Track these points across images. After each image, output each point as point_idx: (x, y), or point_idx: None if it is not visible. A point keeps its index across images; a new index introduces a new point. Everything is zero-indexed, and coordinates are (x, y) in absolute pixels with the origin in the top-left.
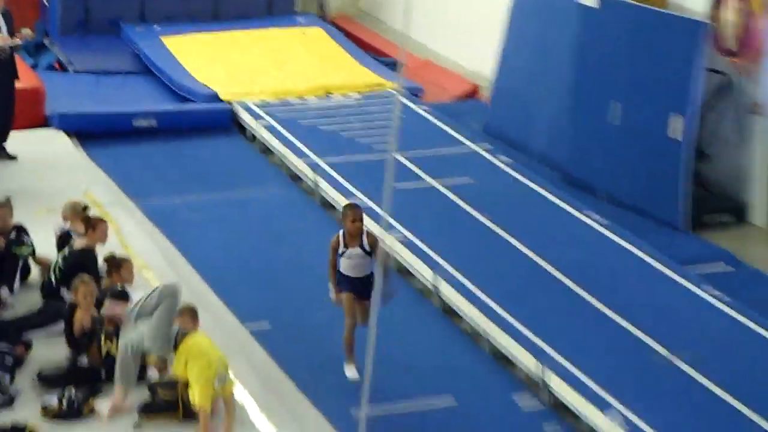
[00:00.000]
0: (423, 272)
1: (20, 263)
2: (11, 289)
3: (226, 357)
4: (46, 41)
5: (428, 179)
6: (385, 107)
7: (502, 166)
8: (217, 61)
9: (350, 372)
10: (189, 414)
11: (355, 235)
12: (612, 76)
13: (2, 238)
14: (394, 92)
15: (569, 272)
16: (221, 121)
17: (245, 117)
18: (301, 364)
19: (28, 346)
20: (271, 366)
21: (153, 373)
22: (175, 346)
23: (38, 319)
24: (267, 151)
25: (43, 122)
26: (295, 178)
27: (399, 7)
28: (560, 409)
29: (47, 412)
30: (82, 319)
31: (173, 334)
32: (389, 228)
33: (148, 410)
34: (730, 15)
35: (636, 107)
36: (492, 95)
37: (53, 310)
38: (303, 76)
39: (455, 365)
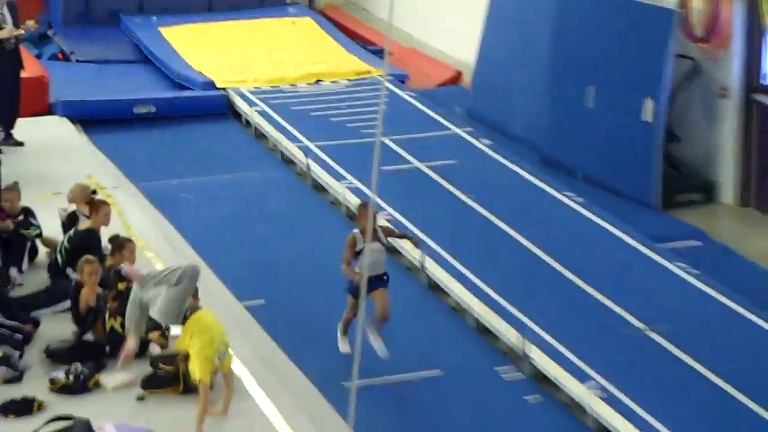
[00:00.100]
0: (410, 250)
1: (28, 244)
2: (20, 269)
3: (227, 334)
4: (49, 32)
5: (414, 161)
6: (373, 93)
7: (484, 148)
8: (213, 51)
9: (343, 346)
10: (189, 387)
11: (371, 231)
12: (587, 62)
13: (11, 221)
14: (381, 79)
15: (548, 249)
16: (217, 108)
17: (240, 103)
18: (294, 338)
19: (36, 323)
20: (266, 341)
21: (155, 349)
22: (183, 321)
23: (45, 298)
24: (261, 135)
25: (48, 110)
26: (288, 161)
27: None
28: (541, 379)
29: (55, 386)
30: (87, 297)
31: (184, 310)
32: (377, 208)
33: (151, 384)
34: (698, 3)
35: (610, 91)
36: (474, 81)
37: (60, 288)
38: (294, 64)
39: (441, 339)
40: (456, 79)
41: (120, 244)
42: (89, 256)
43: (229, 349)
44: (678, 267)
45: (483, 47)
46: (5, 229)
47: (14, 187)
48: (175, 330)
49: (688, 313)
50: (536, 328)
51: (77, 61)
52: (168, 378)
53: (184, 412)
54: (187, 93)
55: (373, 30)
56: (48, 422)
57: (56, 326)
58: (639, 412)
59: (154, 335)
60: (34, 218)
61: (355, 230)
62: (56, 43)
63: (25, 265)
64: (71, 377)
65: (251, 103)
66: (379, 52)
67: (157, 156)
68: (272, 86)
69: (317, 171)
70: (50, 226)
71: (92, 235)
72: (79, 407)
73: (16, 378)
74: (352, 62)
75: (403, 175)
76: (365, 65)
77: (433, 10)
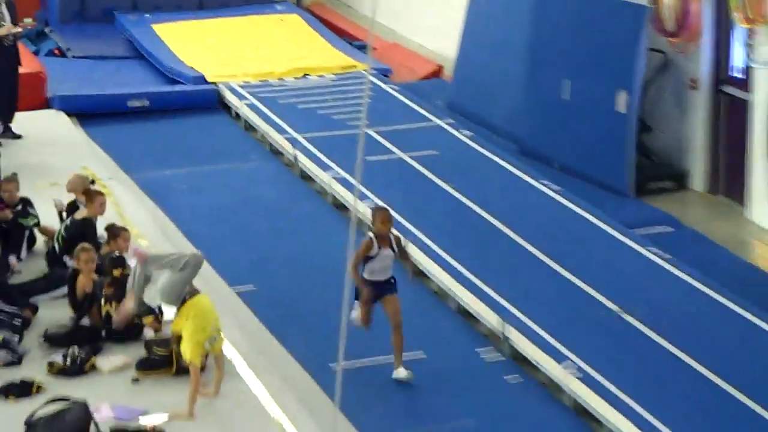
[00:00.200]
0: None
1: (26, 233)
2: (19, 257)
3: (219, 319)
4: (46, 29)
5: (397, 152)
6: (357, 87)
7: (464, 139)
8: (204, 46)
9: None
10: (182, 369)
11: (385, 236)
12: (563, 57)
13: (10, 211)
14: (365, 73)
15: (527, 235)
16: (208, 101)
17: (230, 97)
18: (283, 322)
19: (34, 308)
20: (256, 324)
21: (149, 333)
22: (181, 303)
23: (44, 284)
24: (250, 128)
25: (45, 104)
26: (276, 153)
27: None
28: (520, 360)
29: (53, 369)
30: (83, 283)
31: (183, 293)
32: (362, 197)
33: (145, 366)
34: None
35: (585, 84)
36: (454, 75)
37: (57, 275)
38: (282, 59)
39: (424, 322)
40: (437, 72)
41: (115, 232)
42: (86, 245)
43: (221, 333)
44: (651, 252)
45: (463, 42)
46: (4, 219)
47: (13, 178)
48: (169, 315)
49: (661, 295)
50: (515, 311)
51: (73, 57)
52: (162, 361)
53: (177, 393)
54: (179, 87)
55: (357, 26)
56: (46, 403)
57: (54, 312)
58: (614, 391)
59: (148, 320)
60: (32, 208)
61: (371, 234)
62: (53, 39)
63: (23, 253)
64: (68, 360)
65: (241, 97)
66: (363, 48)
67: (150, 148)
68: (261, 80)
69: (304, 161)
70: (48, 215)
71: (88, 224)
72: (76, 389)
73: (16, 361)
74: (337, 57)
75: (387, 164)
76: (350, 60)
77: (414, 7)
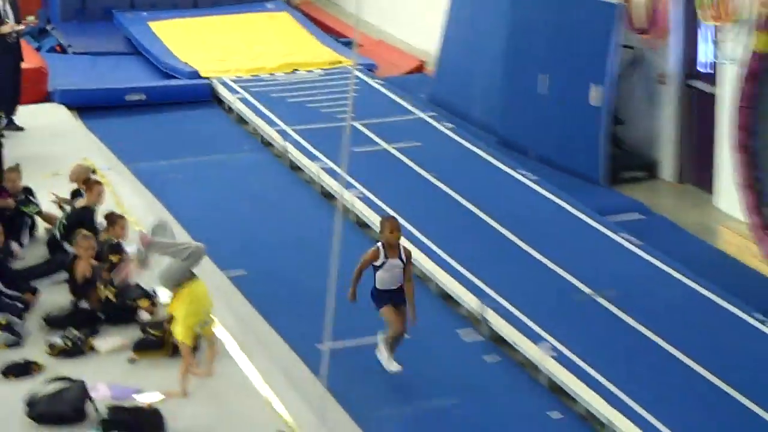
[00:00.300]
0: (378, 224)
1: (28, 221)
2: (21, 244)
3: (212, 304)
4: (48, 27)
5: (382, 143)
6: (344, 81)
7: (446, 131)
8: (198, 43)
9: (393, 366)
10: (176, 350)
11: (394, 246)
12: (539, 52)
13: (12, 199)
14: (351, 68)
15: (505, 222)
16: (202, 95)
17: (222, 91)
18: (273, 305)
19: (35, 292)
20: (247, 307)
21: (144, 315)
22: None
23: (44, 269)
24: (242, 120)
25: (46, 98)
26: (267, 144)
27: None
28: (498, 341)
29: (53, 350)
30: (83, 269)
31: (181, 279)
32: (348, 186)
33: (140, 347)
34: None
35: (560, 79)
36: (436, 70)
37: (58, 261)
38: (272, 55)
39: None
40: (420, 68)
41: (113, 220)
42: (85, 232)
43: (212, 316)
44: (623, 238)
45: (445, 39)
46: (7, 207)
47: (16, 168)
48: (164, 298)
49: (633, 280)
50: (494, 294)
51: (74, 53)
52: (157, 342)
53: (172, 373)
54: (174, 82)
55: (343, 23)
56: (46, 382)
57: (54, 296)
58: (587, 370)
59: (144, 303)
60: (34, 197)
61: (379, 244)
62: (54, 36)
63: (25, 239)
64: (68, 342)
65: (233, 91)
66: (349, 44)
67: (147, 140)
68: (252, 75)
69: (294, 153)
70: (48, 203)
71: (87, 212)
72: (75, 369)
73: (17, 343)
74: (325, 53)
75: (373, 155)
76: (337, 56)
77: (398, 4)
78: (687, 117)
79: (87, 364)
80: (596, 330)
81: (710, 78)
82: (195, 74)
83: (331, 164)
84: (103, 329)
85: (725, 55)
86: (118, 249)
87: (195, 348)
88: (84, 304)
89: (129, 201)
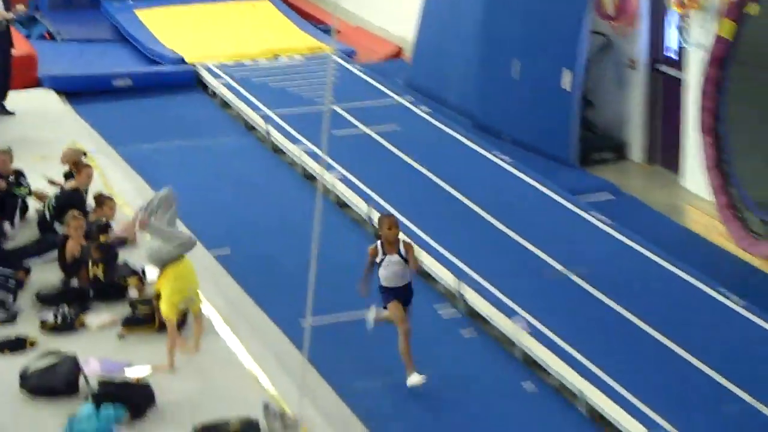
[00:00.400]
0: (358, 204)
1: (19, 202)
2: (12, 224)
3: (198, 282)
4: (37, 15)
5: (361, 126)
6: (324, 67)
7: (423, 114)
8: (183, 30)
9: (414, 379)
10: (164, 326)
11: (393, 242)
12: (513, 38)
13: (3, 181)
14: (331, 54)
15: (480, 202)
16: (186, 81)
17: (207, 77)
18: (257, 282)
19: (27, 271)
20: (232, 285)
21: (133, 293)
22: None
23: (36, 249)
24: (225, 105)
25: (36, 83)
26: (250, 128)
27: None
28: (474, 316)
29: (45, 327)
30: (72, 248)
31: (168, 260)
32: (329, 168)
33: (130, 323)
34: None
35: (533, 64)
36: (413, 55)
37: (48, 240)
38: (254, 42)
39: None
40: (398, 53)
41: (102, 201)
42: (75, 212)
43: (199, 293)
44: (594, 217)
45: (421, 26)
46: None
47: (7, 151)
48: (152, 276)
49: (603, 257)
50: (470, 272)
51: (62, 40)
52: (145, 318)
53: (159, 348)
54: (159, 68)
55: (323, 11)
56: (39, 357)
57: (45, 274)
58: (560, 344)
59: (132, 280)
60: (24, 179)
61: (378, 242)
62: (43, 24)
63: (17, 220)
64: (59, 318)
65: (217, 77)
66: (329, 31)
67: (134, 124)
68: (235, 61)
69: (276, 136)
70: (39, 185)
71: (76, 193)
72: (66, 344)
73: (10, 319)
74: (305, 40)
75: (352, 138)
76: (317, 42)
77: None
78: (655, 101)
79: (78, 339)
80: (568, 305)
81: (677, 63)
82: (180, 60)
83: (313, 147)
84: (93, 306)
85: (691, 41)
86: (106, 229)
87: (183, 324)
88: (74, 282)
89: (117, 183)
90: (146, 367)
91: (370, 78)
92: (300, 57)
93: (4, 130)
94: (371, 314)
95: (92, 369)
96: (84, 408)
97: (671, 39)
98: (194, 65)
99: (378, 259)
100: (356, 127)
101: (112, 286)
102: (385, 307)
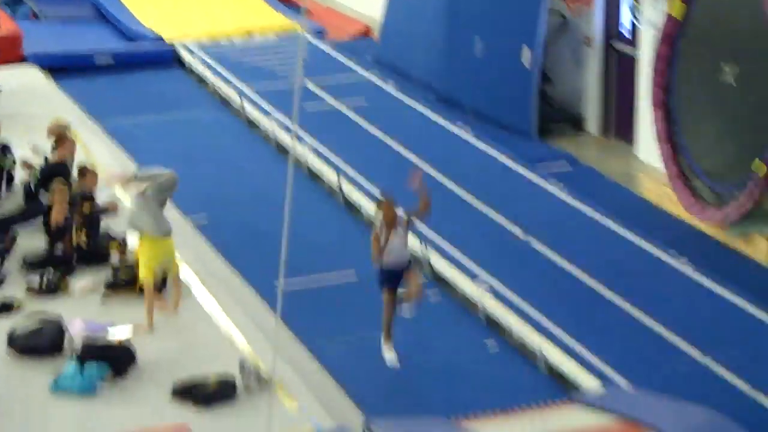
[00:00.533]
0: (329, 175)
1: (5, 173)
2: None
3: (174, 247)
4: None
5: (331, 101)
6: (296, 45)
7: (390, 89)
8: (161, 10)
9: (390, 355)
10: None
11: (391, 222)
12: (476, 17)
13: None
14: (302, 33)
15: (444, 171)
16: (165, 58)
17: (184, 54)
18: (233, 248)
19: (13, 238)
20: (209, 251)
21: (115, 258)
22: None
23: (22, 217)
24: (202, 81)
25: (22, 60)
26: (226, 103)
27: None
28: (440, 280)
29: (31, 291)
30: (57, 216)
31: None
32: (300, 140)
33: (111, 287)
34: None
35: (494, 41)
36: (381, 34)
37: (33, 209)
38: (230, 21)
39: (356, 248)
40: (366, 32)
41: (84, 172)
42: (60, 182)
43: (177, 258)
44: (551, 184)
45: (389, 4)
46: None
47: None
48: (132, 243)
49: (561, 223)
50: (435, 237)
51: (46, 19)
52: (126, 282)
53: (140, 309)
54: (139, 46)
55: None
56: (25, 319)
57: (31, 240)
58: (520, 305)
59: (114, 246)
60: (10, 151)
61: (377, 225)
62: (28, 5)
63: (3, 190)
64: (45, 282)
65: (194, 54)
66: (300, 10)
67: (114, 99)
68: (212, 40)
69: (250, 110)
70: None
71: (60, 165)
72: (51, 307)
73: None
74: (278, 19)
75: (323, 112)
76: (289, 21)
77: None
78: (610, 76)
79: (63, 302)
80: (527, 267)
81: (630, 41)
82: (159, 39)
83: (285, 120)
84: (77, 271)
85: (644, 20)
86: (89, 198)
87: (163, 287)
88: (59, 249)
89: (98, 155)
90: (128, 328)
91: (339, 55)
92: (273, 35)
93: None
94: (389, 353)
95: (76, 330)
96: (69, 366)
97: (625, 18)
98: (172, 43)
99: (382, 244)
100: (326, 102)
101: (95, 251)
102: (382, 288)
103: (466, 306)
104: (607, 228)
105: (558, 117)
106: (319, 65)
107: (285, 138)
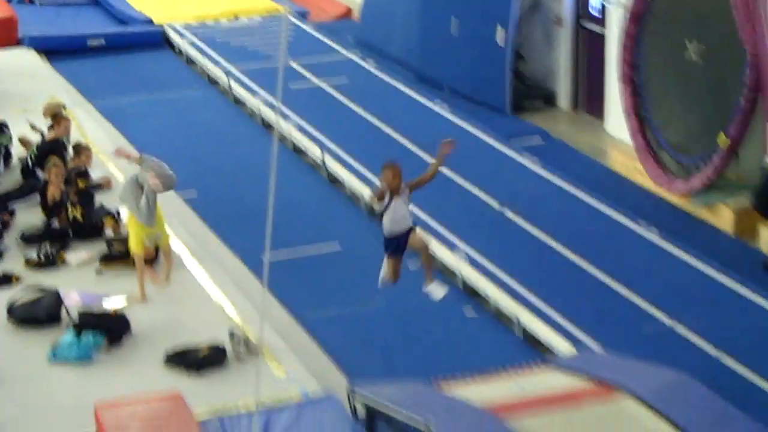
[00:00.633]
0: (312, 150)
1: (2, 151)
2: None
3: (164, 219)
4: None
5: (314, 80)
6: (280, 26)
7: (370, 68)
8: None
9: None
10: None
11: (396, 189)
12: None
13: None
14: (286, 14)
15: (422, 145)
16: (155, 40)
17: (173, 36)
18: (222, 221)
19: (12, 213)
20: (199, 224)
21: (109, 232)
22: None
23: (19, 193)
24: (190, 62)
25: (17, 43)
26: (213, 82)
27: None
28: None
29: (29, 263)
30: (53, 192)
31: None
32: (285, 117)
33: (106, 259)
34: None
35: (470, 21)
36: (361, 15)
37: (30, 186)
38: (216, 4)
39: (339, 220)
40: (347, 13)
41: (79, 150)
42: (56, 160)
43: (167, 231)
44: (525, 158)
45: None
46: None
47: None
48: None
49: (534, 195)
50: (415, 209)
51: (40, 4)
52: (120, 255)
53: (133, 281)
54: (130, 28)
55: None
56: (24, 291)
57: (28, 216)
58: (497, 273)
59: (108, 221)
60: (8, 129)
61: (382, 185)
62: None
63: (0, 167)
64: (42, 256)
65: (183, 36)
66: None
67: (107, 79)
68: (199, 22)
69: (237, 89)
70: (24, 131)
71: (56, 143)
72: (49, 279)
73: None
74: (263, 2)
75: (307, 91)
76: (274, 4)
77: None
78: (580, 54)
79: (59, 274)
80: (503, 237)
81: (600, 20)
82: (148, 21)
83: (270, 98)
84: (72, 245)
85: None
86: (84, 175)
87: (155, 260)
88: (55, 223)
89: (92, 133)
90: (121, 298)
91: (322, 36)
92: (258, 17)
93: None
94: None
95: (73, 301)
96: (66, 336)
97: None
98: (162, 26)
99: (385, 202)
100: (309, 80)
101: (90, 226)
102: (386, 250)
103: (445, 274)
104: (578, 199)
105: (531, 93)
106: (302, 46)
107: (270, 115)
